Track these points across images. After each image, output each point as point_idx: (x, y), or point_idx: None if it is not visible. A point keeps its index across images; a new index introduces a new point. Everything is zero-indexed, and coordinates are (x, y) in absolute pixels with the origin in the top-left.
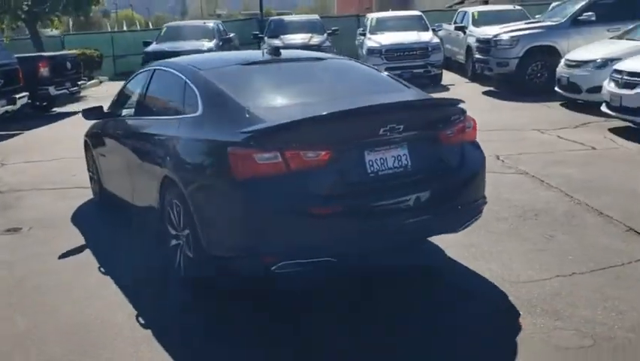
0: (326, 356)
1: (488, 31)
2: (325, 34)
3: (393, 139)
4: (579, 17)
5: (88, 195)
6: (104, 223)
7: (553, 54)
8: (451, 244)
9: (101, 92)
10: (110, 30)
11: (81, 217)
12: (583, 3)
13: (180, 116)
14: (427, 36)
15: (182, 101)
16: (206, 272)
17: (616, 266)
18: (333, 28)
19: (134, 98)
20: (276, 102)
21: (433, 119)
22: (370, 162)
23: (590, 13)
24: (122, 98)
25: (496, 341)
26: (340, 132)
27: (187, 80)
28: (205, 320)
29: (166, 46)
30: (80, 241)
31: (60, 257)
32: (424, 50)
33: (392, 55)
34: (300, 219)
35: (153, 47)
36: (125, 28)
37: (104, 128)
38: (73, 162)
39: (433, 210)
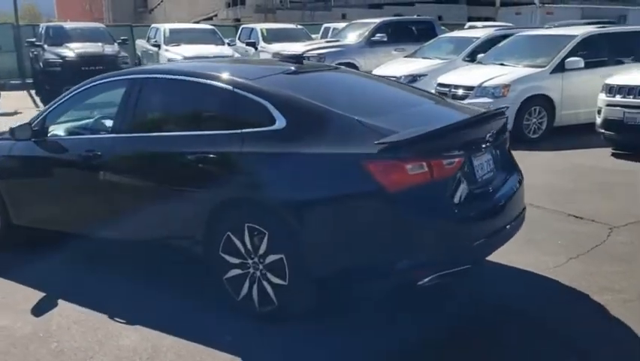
0: None
1: (291, 47)
2: (116, 44)
3: (487, 146)
4: (372, 38)
5: None
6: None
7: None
8: None
9: None
10: None
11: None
12: (373, 26)
13: (241, 131)
14: (227, 50)
15: (233, 114)
16: (305, 300)
17: None
18: (122, 38)
19: (108, 113)
20: (366, 112)
21: (501, 127)
22: (476, 168)
23: (382, 34)
24: (68, 115)
25: (591, 320)
26: (463, 139)
27: (240, 91)
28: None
29: None
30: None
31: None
32: None
33: None
34: (446, 228)
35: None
36: None
37: (32, 152)
38: None
39: (516, 214)
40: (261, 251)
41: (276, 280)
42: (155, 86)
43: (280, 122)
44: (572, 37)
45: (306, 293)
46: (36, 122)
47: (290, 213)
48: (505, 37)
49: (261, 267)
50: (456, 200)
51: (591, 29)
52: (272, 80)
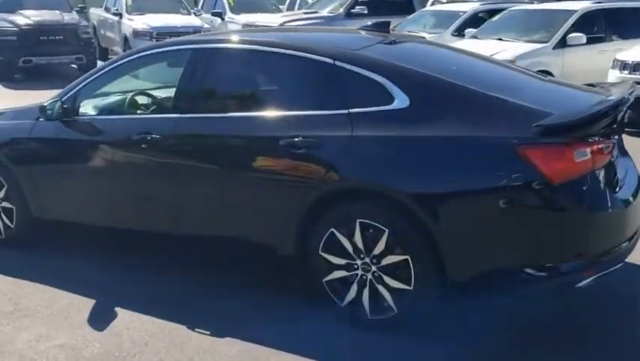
0: None
1: (264, 19)
2: (74, 11)
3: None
4: (352, 10)
5: None
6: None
7: None
8: None
9: None
10: None
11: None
12: None
13: (349, 111)
14: (195, 20)
15: (335, 91)
16: (428, 307)
17: None
18: (80, 6)
19: (161, 89)
20: (498, 88)
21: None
22: (614, 155)
23: (362, 7)
24: (105, 91)
25: None
26: (612, 122)
27: (343, 64)
28: None
29: None
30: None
31: None
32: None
33: (164, 38)
34: (612, 224)
35: None
36: None
37: (61, 133)
38: None
39: None
40: (377, 251)
41: (396, 285)
42: (230, 58)
43: (401, 101)
44: (572, 12)
45: (432, 299)
46: (66, 97)
47: (422, 208)
48: (492, 11)
49: (373, 268)
50: (615, 192)
51: (589, 4)
52: (379, 51)
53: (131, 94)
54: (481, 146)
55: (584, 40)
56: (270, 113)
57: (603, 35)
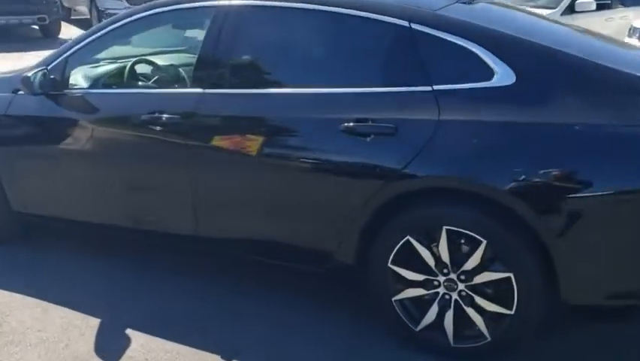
0: None
1: None
2: None
3: None
4: None
5: None
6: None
7: None
8: None
9: None
10: None
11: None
12: None
13: (432, 88)
14: None
15: (412, 63)
16: (529, 334)
17: None
18: None
19: (174, 58)
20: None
21: None
22: None
23: None
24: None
25: None
26: None
27: (423, 28)
28: None
29: None
30: None
31: None
32: None
33: None
34: None
35: None
36: None
37: (46, 110)
38: None
39: None
40: (468, 266)
41: (492, 307)
42: (273, 19)
43: (504, 76)
44: None
45: (535, 325)
46: (52, 66)
47: (536, 214)
48: None
49: (461, 287)
50: None
51: None
52: (462, 12)
53: (132, 62)
54: (612, 135)
55: (594, 7)
56: (327, 89)
57: (610, 2)
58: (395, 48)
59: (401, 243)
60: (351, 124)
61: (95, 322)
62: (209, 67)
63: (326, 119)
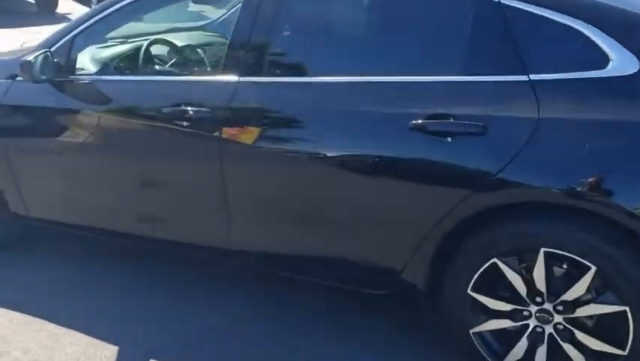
0: None
1: None
2: None
3: None
4: None
5: None
6: None
7: None
8: None
9: None
10: None
11: None
12: None
13: (529, 77)
14: None
15: (502, 46)
16: None
17: None
18: None
19: (202, 38)
20: None
21: None
22: None
23: None
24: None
25: None
26: None
27: (517, 3)
28: None
29: None
30: None
31: None
32: None
33: None
34: None
35: None
36: None
37: (50, 100)
38: None
39: None
40: (570, 296)
41: (598, 346)
42: None
43: (622, 63)
44: None
45: None
46: (56, 47)
47: None
48: None
49: (558, 319)
50: None
51: None
52: None
53: (147, 42)
54: None
55: None
56: (392, 77)
57: None
58: (480, 27)
59: (486, 266)
60: (425, 121)
61: (111, 351)
62: (245, 49)
63: (391, 114)
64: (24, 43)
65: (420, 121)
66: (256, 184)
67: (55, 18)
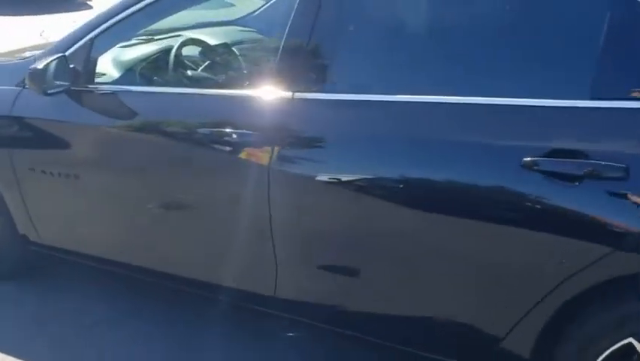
0: None
1: None
2: None
3: None
4: None
5: None
6: None
7: None
8: None
9: None
10: None
11: None
12: None
13: None
14: None
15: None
16: None
17: None
18: None
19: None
20: None
21: None
22: None
23: None
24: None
25: None
26: None
27: None
28: None
29: None
30: None
31: None
32: None
33: None
34: None
35: None
36: None
37: (66, 113)
38: None
39: None
40: None
41: None
42: None
43: None
44: None
45: None
46: (71, 51)
47: None
48: None
49: None
50: None
51: None
52: None
53: (177, 44)
54: None
55: None
56: (498, 99)
57: None
58: (613, 34)
59: (618, 346)
60: (542, 158)
61: None
62: (300, 59)
63: (497, 146)
64: (43, 31)
65: (534, 158)
66: (316, 222)
67: (74, 5)
